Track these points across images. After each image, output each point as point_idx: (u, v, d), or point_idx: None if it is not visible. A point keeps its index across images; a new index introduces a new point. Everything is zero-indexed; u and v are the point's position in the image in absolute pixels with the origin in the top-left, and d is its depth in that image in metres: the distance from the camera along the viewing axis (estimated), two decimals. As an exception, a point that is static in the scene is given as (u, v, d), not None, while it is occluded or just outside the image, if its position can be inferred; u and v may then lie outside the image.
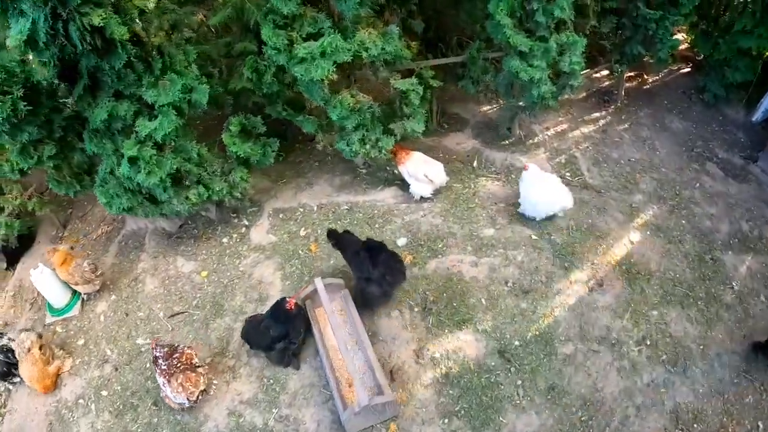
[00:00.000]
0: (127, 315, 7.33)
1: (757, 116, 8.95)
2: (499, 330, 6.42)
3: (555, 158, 8.45)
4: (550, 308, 6.56)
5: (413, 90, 7.20)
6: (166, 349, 6.01)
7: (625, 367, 6.10)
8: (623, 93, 9.45)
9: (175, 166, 6.61)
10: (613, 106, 9.39)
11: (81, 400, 6.49)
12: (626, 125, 9.06)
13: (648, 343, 6.26)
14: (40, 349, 6.50)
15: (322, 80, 6.57)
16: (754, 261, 6.98)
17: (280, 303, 6.11)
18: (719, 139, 8.76)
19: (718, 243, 7.19)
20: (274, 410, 6.07)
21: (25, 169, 7.23)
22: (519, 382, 6.05)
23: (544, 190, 7.02)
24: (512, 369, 6.13)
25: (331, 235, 6.67)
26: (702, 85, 9.37)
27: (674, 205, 7.70)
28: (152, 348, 6.06)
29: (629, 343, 6.26)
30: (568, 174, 8.16)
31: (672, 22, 7.99)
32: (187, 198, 7.00)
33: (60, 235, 8.94)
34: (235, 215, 8.14)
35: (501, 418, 5.82)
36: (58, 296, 7.56)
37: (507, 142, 8.77)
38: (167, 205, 7.11)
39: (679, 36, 9.94)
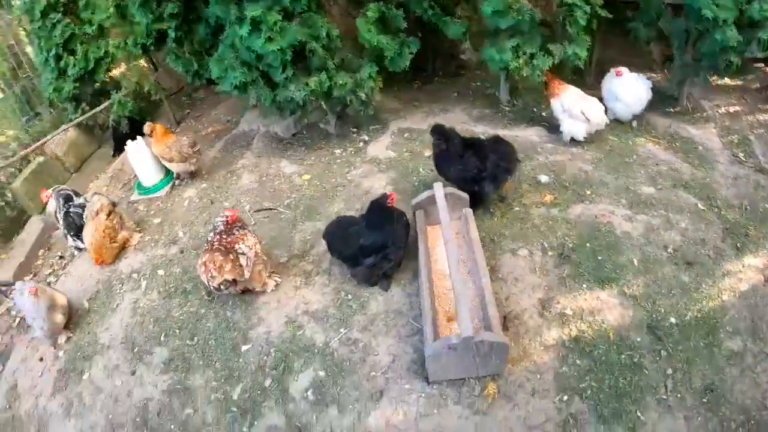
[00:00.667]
0: (212, 203, 6.18)
1: None
2: (652, 300, 4.47)
3: (726, 136, 6.53)
4: (717, 289, 4.57)
5: (581, 7, 5.67)
6: (228, 223, 4.73)
7: None
8: None
9: (299, 38, 5.36)
10: None
11: (135, 275, 5.48)
12: None
13: None
14: (108, 215, 5.53)
15: None
16: None
17: (380, 201, 4.50)
18: None
19: None
20: (342, 330, 4.46)
21: (146, 43, 6.62)
22: (669, 371, 4.04)
23: (632, 85, 6.12)
24: (663, 353, 4.15)
25: (438, 130, 5.11)
26: None
27: None
28: (224, 214, 4.74)
29: None
30: (741, 154, 6.24)
31: None
32: (306, 85, 5.68)
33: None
34: (355, 130, 6.80)
35: (639, 413, 3.83)
36: (149, 174, 6.64)
37: (672, 110, 6.90)
38: (282, 90, 5.83)
39: None
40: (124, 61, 7.92)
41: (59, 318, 4.96)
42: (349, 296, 4.72)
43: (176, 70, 6.97)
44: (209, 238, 4.74)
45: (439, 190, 4.61)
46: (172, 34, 6.13)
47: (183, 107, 8.90)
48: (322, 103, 6.28)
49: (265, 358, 4.43)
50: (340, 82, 5.76)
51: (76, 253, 6.13)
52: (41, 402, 4.63)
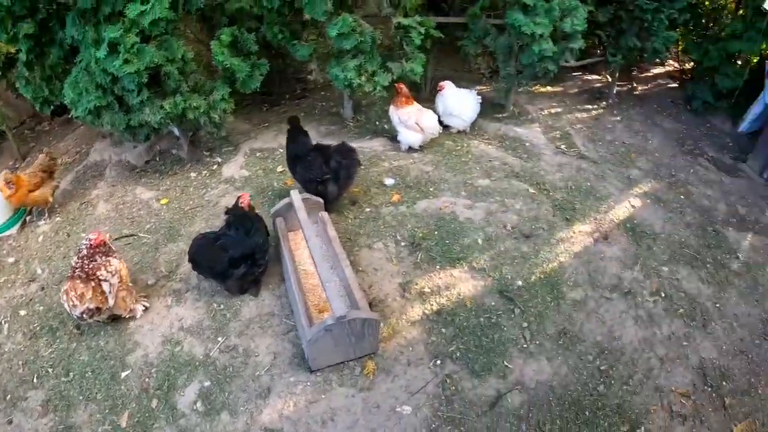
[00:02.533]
0: (69, 236, 5.91)
1: (744, 126, 8.11)
2: (499, 270, 5.07)
3: (550, 132, 7.49)
4: (554, 254, 5.31)
5: (415, 28, 6.27)
6: (91, 247, 4.60)
7: (641, 317, 4.88)
8: (614, 92, 8.68)
9: (156, 60, 5.38)
10: (604, 103, 8.57)
11: None
12: (618, 118, 8.20)
13: (663, 295, 5.11)
14: None
15: None
16: (755, 239, 6.02)
17: (236, 208, 4.65)
18: (708, 141, 7.90)
19: (718, 219, 6.24)
20: (220, 339, 4.53)
21: None
22: (525, 324, 4.66)
23: (463, 100, 6.79)
24: (516, 311, 4.75)
25: (294, 121, 5.54)
26: (690, 94, 8.55)
27: (671, 183, 6.76)
28: (88, 237, 4.62)
29: (643, 293, 5.08)
30: (563, 146, 7.20)
31: (667, 15, 7.30)
32: (161, 107, 5.69)
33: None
34: (208, 153, 6.83)
35: (506, 363, 4.38)
36: None
37: (500, 116, 7.75)
38: (137, 114, 5.77)
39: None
40: None
41: None
42: (222, 306, 4.79)
43: (25, 97, 6.63)
44: (72, 263, 4.59)
45: (296, 195, 4.87)
46: (23, 57, 5.79)
47: (27, 141, 8.44)
48: (176, 128, 6.34)
49: (147, 380, 4.35)
50: (194, 104, 5.81)
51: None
52: None
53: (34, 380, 4.51)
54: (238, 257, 4.52)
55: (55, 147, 7.64)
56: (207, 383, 4.23)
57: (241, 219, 4.63)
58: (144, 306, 4.84)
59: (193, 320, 4.73)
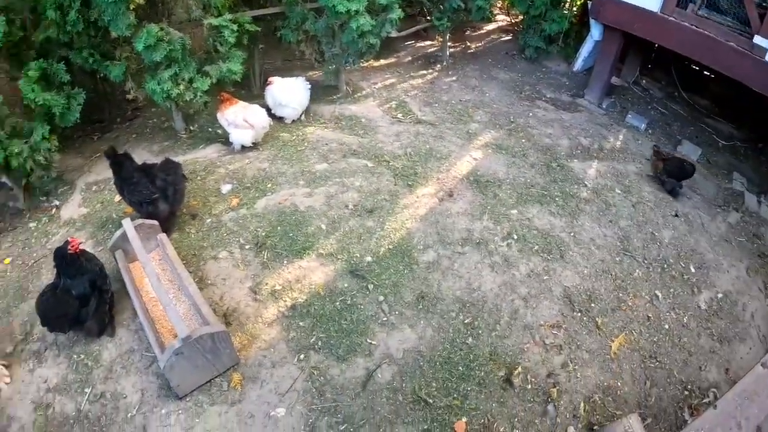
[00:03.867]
0: None
1: (577, 66, 8.91)
2: (346, 250, 5.23)
3: (385, 104, 7.70)
4: (399, 222, 5.53)
5: (227, 27, 6.19)
6: None
7: (497, 262, 5.20)
8: (448, 54, 8.96)
9: None
10: (439, 66, 8.88)
11: None
12: (454, 78, 8.54)
13: (515, 237, 5.46)
14: None
15: (127, 5, 5.42)
16: (600, 165, 6.51)
17: (61, 252, 4.45)
18: (545, 83, 8.41)
19: (561, 154, 6.66)
20: (87, 390, 4.41)
21: None
22: (381, 298, 4.84)
23: (290, 88, 6.89)
24: (370, 287, 4.93)
25: (110, 153, 5.41)
26: (522, 44, 9.05)
27: (511, 129, 7.16)
28: None
29: (495, 240, 5.40)
30: (399, 115, 7.44)
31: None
32: None
33: None
34: (45, 198, 6.50)
35: (369, 341, 4.54)
36: None
37: (335, 97, 7.86)
38: None
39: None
40: None
41: None
42: (82, 356, 4.67)
43: None
44: None
45: (128, 224, 4.78)
46: None
47: None
48: (6, 179, 6.02)
49: None
50: (16, 150, 5.53)
51: None
52: None
53: None
54: (85, 294, 4.41)
55: None
56: (85, 438, 4.09)
57: (70, 263, 4.47)
58: (5, 381, 4.63)
59: (58, 378, 4.58)
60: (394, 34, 7.66)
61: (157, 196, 5.20)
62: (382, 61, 8.91)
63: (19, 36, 5.99)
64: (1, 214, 6.40)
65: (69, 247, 4.37)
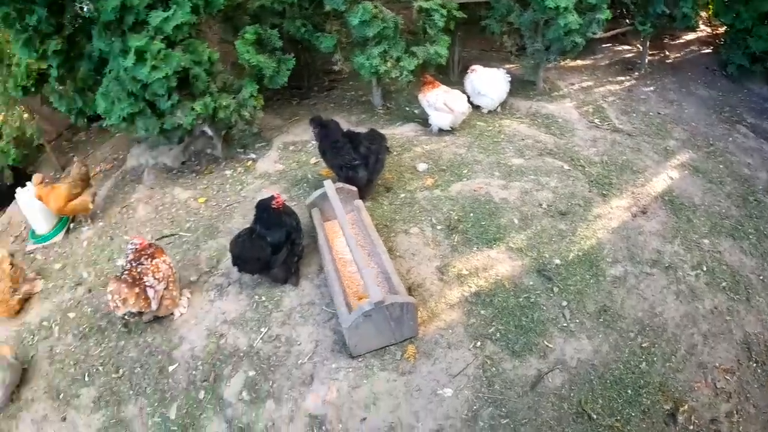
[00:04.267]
0: (112, 239, 6.12)
1: None
2: (536, 249, 5.08)
3: (582, 107, 7.40)
4: (591, 230, 5.30)
5: (437, 10, 6.28)
6: (137, 251, 4.77)
7: (683, 291, 4.84)
8: (646, 62, 8.48)
9: (183, 64, 5.53)
10: (637, 73, 8.40)
11: (45, 323, 5.30)
12: (652, 88, 8.02)
13: (704, 269, 5.06)
14: (11, 266, 5.34)
15: None
16: None
17: (265, 204, 4.74)
18: (747, 107, 7.65)
19: (759, 188, 6.10)
20: (263, 329, 4.67)
21: (27, 84, 6.50)
22: (564, 303, 4.66)
23: (491, 79, 6.82)
24: (555, 289, 4.76)
25: (316, 120, 5.66)
26: (724, 59, 8.30)
27: (709, 152, 6.63)
28: (132, 242, 4.79)
29: (684, 267, 5.03)
30: (597, 120, 7.13)
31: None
32: (192, 109, 5.85)
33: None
34: (242, 150, 6.96)
35: (546, 343, 4.40)
36: (42, 220, 6.41)
37: (531, 93, 7.68)
38: (169, 118, 5.94)
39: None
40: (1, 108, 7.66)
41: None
42: (263, 298, 4.92)
43: (59, 110, 6.89)
44: (122, 265, 4.79)
45: (330, 185, 4.97)
46: (54, 72, 6.03)
47: (65, 152, 8.72)
48: (208, 128, 6.51)
49: (194, 372, 4.51)
50: (224, 103, 5.96)
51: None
52: None
53: (86, 378, 4.72)
54: (278, 243, 4.67)
55: (93, 156, 7.90)
56: (252, 373, 4.39)
57: (268, 212, 4.76)
58: (187, 298, 5.04)
59: (236, 313, 4.87)
60: (595, 35, 7.41)
61: (358, 162, 5.38)
62: (579, 62, 8.64)
63: (236, 2, 6.48)
64: (198, 159, 6.92)
65: (273, 202, 4.64)
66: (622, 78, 8.35)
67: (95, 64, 6.02)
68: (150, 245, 4.80)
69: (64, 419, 4.52)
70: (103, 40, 5.52)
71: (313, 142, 6.53)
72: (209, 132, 6.50)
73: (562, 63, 8.39)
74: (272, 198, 4.69)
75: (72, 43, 5.88)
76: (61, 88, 6.47)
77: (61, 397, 4.66)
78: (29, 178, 6.41)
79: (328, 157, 5.57)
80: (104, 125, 6.40)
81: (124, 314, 4.66)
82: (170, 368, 4.61)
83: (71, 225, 6.52)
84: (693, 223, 5.50)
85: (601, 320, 4.56)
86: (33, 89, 6.76)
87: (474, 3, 7.47)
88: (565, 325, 4.52)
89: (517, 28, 7.28)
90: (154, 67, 5.39)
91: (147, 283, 4.63)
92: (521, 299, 4.67)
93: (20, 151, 7.46)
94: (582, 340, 4.43)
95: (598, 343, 4.41)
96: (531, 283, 4.79)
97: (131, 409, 4.44)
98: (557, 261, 4.97)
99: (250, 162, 6.84)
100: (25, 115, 7.70)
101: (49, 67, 6.11)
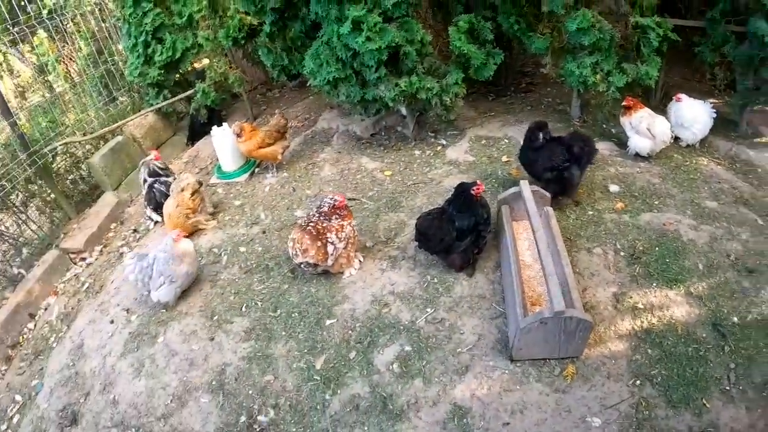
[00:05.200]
0: (294, 190, 6.69)
1: None
2: (716, 301, 4.96)
3: None
4: None
5: (654, 29, 6.22)
6: (333, 207, 5.15)
7: None
8: None
9: (396, 40, 5.86)
10: None
11: (215, 249, 5.87)
12: None
13: None
14: (192, 194, 5.97)
15: None
16: None
17: (465, 187, 4.93)
18: None
19: None
20: (429, 309, 4.92)
21: (238, 36, 7.20)
22: (732, 365, 4.51)
23: (696, 112, 6.52)
24: (726, 348, 4.63)
25: (544, 126, 5.72)
26: None
27: None
28: (333, 198, 5.18)
29: None
30: None
31: None
32: (396, 85, 6.19)
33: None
34: (433, 134, 7.26)
35: (704, 401, 4.30)
36: (230, 160, 7.14)
37: (732, 134, 7.32)
38: (372, 89, 6.34)
39: None
40: (207, 55, 8.42)
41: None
42: (435, 280, 5.19)
43: (259, 65, 7.50)
44: (310, 212, 5.21)
45: (526, 186, 5.14)
46: (267, 28, 6.61)
47: (258, 104, 9.38)
48: (403, 108, 6.82)
49: (350, 332, 4.85)
50: (428, 85, 6.26)
51: (150, 225, 6.63)
52: (109, 361, 4.87)
53: (243, 309, 5.19)
54: (464, 229, 4.89)
55: (286, 112, 8.49)
56: (408, 348, 4.64)
57: (465, 199, 4.97)
58: (359, 261, 5.40)
59: (405, 287, 5.17)
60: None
61: (568, 164, 5.55)
62: (788, 110, 8.18)
63: None
64: (388, 135, 7.29)
65: (474, 187, 4.85)
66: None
67: (307, 27, 6.55)
68: (346, 206, 5.18)
69: (212, 339, 4.97)
70: (321, 5, 5.98)
71: (506, 141, 6.81)
72: (403, 111, 6.81)
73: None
74: (474, 183, 4.90)
75: (289, 3, 6.38)
76: (270, 44, 7.06)
77: (214, 318, 5.14)
78: (222, 121, 7.09)
79: (538, 161, 5.72)
80: (308, 84, 6.87)
81: (300, 263, 5.08)
82: (327, 322, 4.97)
83: (256, 170, 7.09)
84: None
85: (764, 394, 4.36)
86: (242, 42, 7.48)
87: (687, 27, 7.24)
88: (727, 388, 4.39)
89: (729, 60, 6.99)
90: (368, 38, 5.78)
91: (329, 240, 5.05)
92: (690, 349, 4.61)
93: (219, 95, 8.31)
94: (740, 410, 4.26)
95: (755, 417, 4.22)
96: (704, 335, 4.71)
97: (280, 349, 4.80)
98: (735, 319, 4.83)
99: (440, 147, 7.15)
100: (229, 62, 8.45)
101: (263, 23, 6.72)
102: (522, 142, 5.77)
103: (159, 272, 5.02)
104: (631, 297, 4.96)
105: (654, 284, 5.08)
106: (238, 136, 6.72)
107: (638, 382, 4.36)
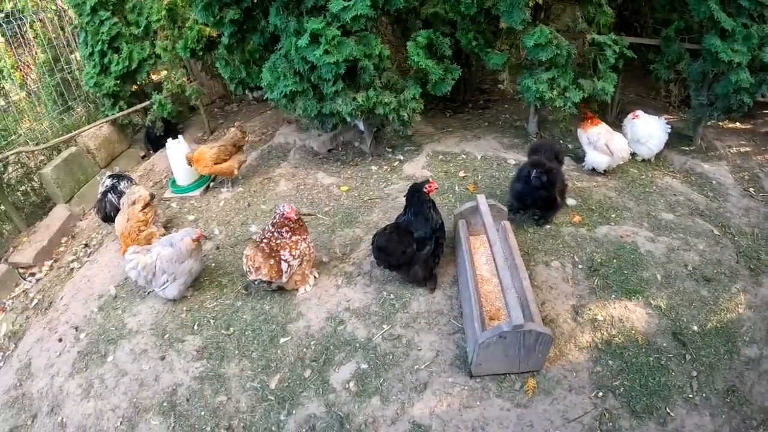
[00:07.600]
0: (249, 206, 6.55)
1: None
2: (675, 311, 4.98)
3: (738, 173, 7.14)
4: (733, 303, 5.11)
5: (610, 46, 6.31)
6: (283, 217, 4.97)
7: None
8: None
9: (354, 54, 5.80)
10: None
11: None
12: None
13: None
14: (144, 208, 5.74)
15: (526, 2, 5.79)
16: None
17: (417, 187, 4.83)
18: None
19: None
20: (385, 326, 4.81)
21: (196, 48, 7.09)
22: (694, 373, 4.52)
23: (652, 128, 6.73)
24: (687, 357, 4.64)
25: (542, 164, 5.57)
26: None
27: None
28: (282, 208, 4.99)
29: None
30: (752, 189, 6.87)
31: None
32: (354, 99, 6.14)
33: (205, 138, 8.52)
34: (390, 150, 7.23)
35: (668, 410, 4.27)
36: (185, 174, 6.96)
37: (687, 149, 7.49)
38: (329, 103, 6.26)
39: None
40: (165, 66, 8.29)
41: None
42: (392, 296, 5.08)
43: (217, 78, 7.43)
44: (265, 227, 5.06)
45: (482, 199, 5.08)
46: (225, 40, 6.48)
47: (216, 118, 9.27)
48: (361, 123, 6.77)
49: (305, 350, 4.70)
50: (386, 100, 6.21)
51: (104, 240, 6.40)
52: (57, 381, 4.66)
53: (195, 327, 5.02)
54: (424, 237, 4.79)
55: (243, 126, 8.29)
56: (364, 366, 4.51)
57: (421, 201, 4.87)
58: (314, 277, 5.29)
59: (361, 303, 5.06)
60: (764, 98, 7.19)
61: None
62: (738, 125, 8.32)
63: (413, 5, 6.74)
64: (345, 150, 7.24)
65: (426, 186, 4.78)
66: (782, 149, 7.97)
67: (266, 39, 6.45)
68: (298, 220, 5.01)
69: (163, 358, 4.79)
70: (280, 17, 5.92)
71: (464, 156, 6.79)
72: (361, 127, 6.78)
73: (722, 123, 8.17)
74: (426, 182, 4.82)
75: (248, 15, 6.30)
76: (228, 56, 6.96)
77: (165, 337, 4.96)
78: (177, 134, 6.97)
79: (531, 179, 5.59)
80: (265, 97, 6.78)
81: (254, 280, 4.91)
82: (282, 340, 4.82)
83: (211, 184, 6.97)
84: None
85: (728, 400, 4.38)
86: (200, 53, 7.33)
87: (643, 45, 7.37)
88: (690, 396, 4.39)
89: (684, 77, 7.16)
90: (326, 52, 5.71)
91: (283, 257, 4.90)
92: (651, 358, 4.59)
93: (176, 107, 8.13)
94: (704, 417, 4.26)
95: (720, 423, 4.22)
96: (665, 344, 4.70)
97: (232, 368, 4.64)
98: (695, 327, 4.86)
99: (397, 163, 7.10)
100: (186, 74, 8.34)
101: (221, 35, 6.61)
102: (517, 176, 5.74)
103: (162, 270, 4.93)
104: (590, 309, 4.93)
105: (613, 296, 5.06)
106: (190, 164, 6.62)
107: (601, 393, 4.30)
